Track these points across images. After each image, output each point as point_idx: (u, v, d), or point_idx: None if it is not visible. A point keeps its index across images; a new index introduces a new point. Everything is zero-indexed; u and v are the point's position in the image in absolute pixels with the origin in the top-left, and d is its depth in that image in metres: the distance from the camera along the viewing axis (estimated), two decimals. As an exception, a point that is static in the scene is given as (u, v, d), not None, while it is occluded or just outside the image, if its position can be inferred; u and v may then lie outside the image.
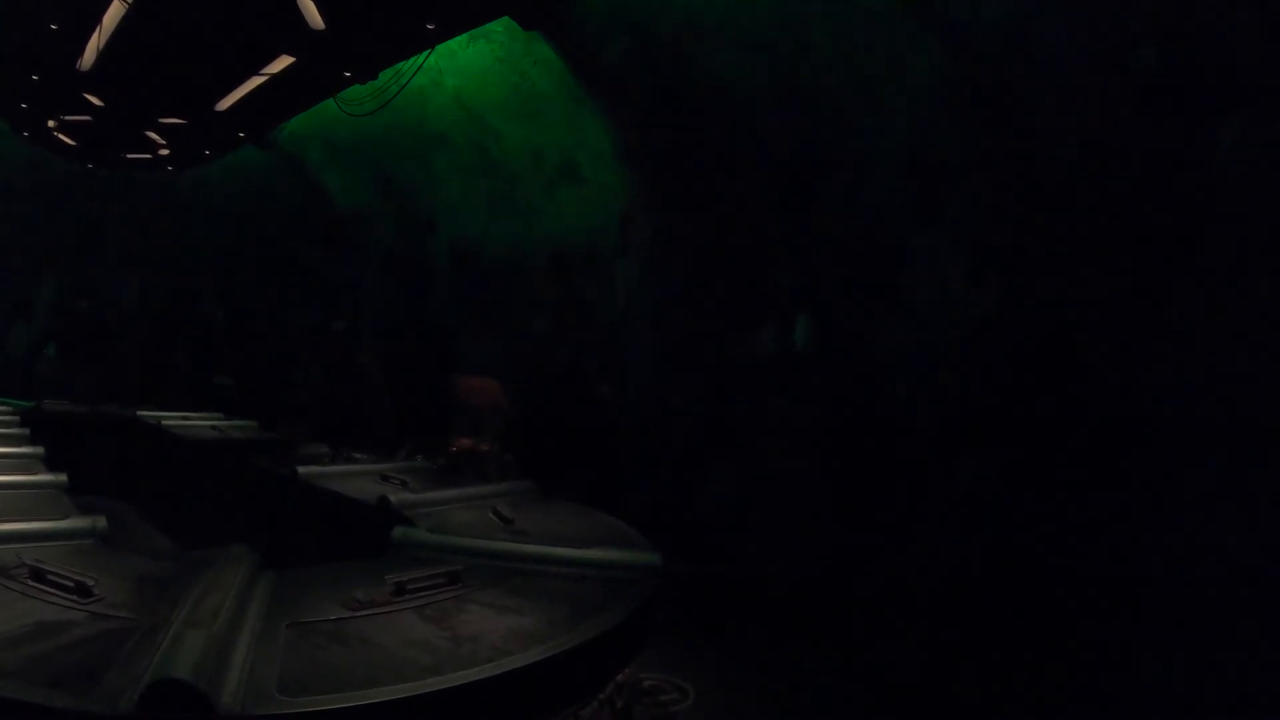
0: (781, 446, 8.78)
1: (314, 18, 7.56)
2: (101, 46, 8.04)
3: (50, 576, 3.26)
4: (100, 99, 9.69)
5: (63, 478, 5.27)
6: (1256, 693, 5.11)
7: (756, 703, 6.25)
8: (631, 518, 5.38)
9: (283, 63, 8.79)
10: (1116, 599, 5.94)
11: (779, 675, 6.74)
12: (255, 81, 9.32)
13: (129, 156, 12.80)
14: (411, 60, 9.11)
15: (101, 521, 4.21)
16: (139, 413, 10.24)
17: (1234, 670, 5.22)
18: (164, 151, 12.31)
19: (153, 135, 11.47)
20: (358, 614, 3.26)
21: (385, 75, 9.45)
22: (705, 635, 7.13)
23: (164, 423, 9.35)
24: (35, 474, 5.38)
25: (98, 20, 7.61)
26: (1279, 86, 5.51)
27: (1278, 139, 5.53)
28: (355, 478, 6.07)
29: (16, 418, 8.33)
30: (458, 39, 9.51)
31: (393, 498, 5.10)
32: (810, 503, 8.46)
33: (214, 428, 9.20)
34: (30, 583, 3.25)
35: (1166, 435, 5.91)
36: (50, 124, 11.05)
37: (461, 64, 10.75)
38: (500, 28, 9.60)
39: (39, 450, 6.25)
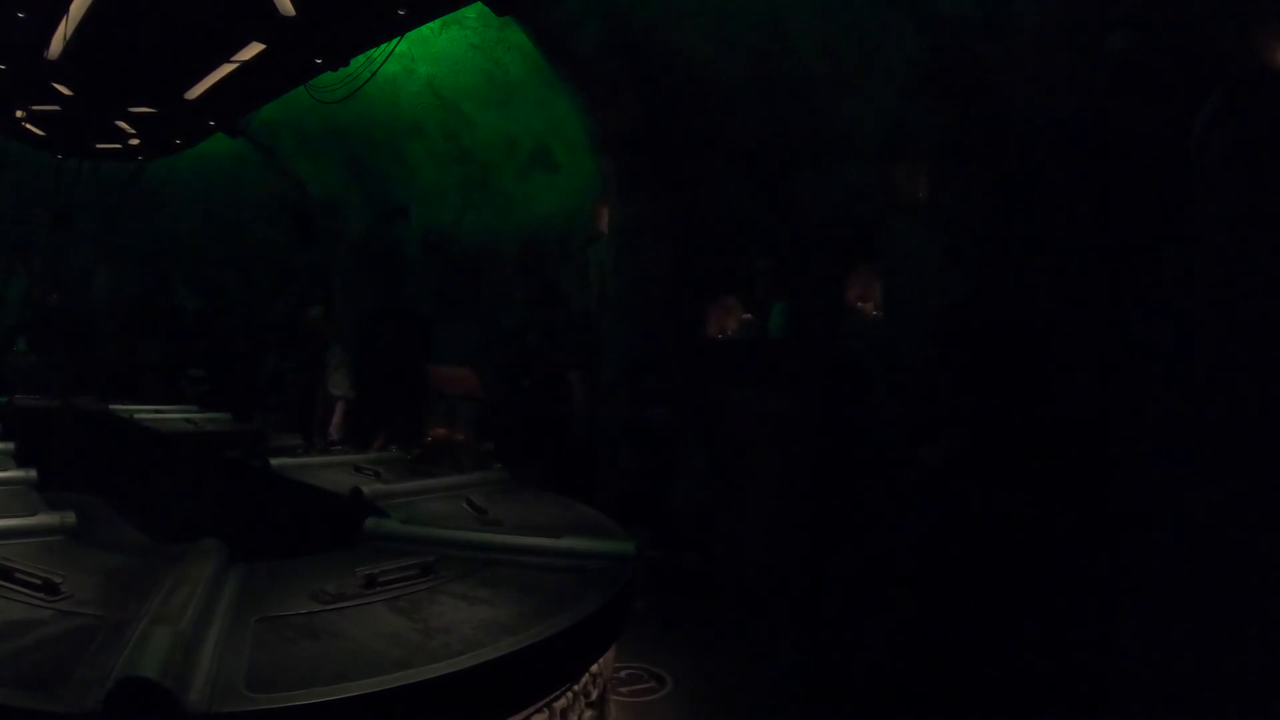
0: (756, 433, 8.78)
1: (284, 4, 7.48)
2: (69, 35, 7.93)
3: (17, 574, 3.23)
4: (69, 88, 9.57)
5: (32, 474, 5.22)
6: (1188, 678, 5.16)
7: (734, 690, 6.27)
8: (606, 506, 5.38)
9: (253, 50, 8.69)
10: (1084, 589, 5.97)
11: (756, 663, 6.75)
12: (225, 69, 9.21)
13: (98, 146, 12.66)
14: (383, 47, 9.03)
15: (70, 517, 4.17)
16: (111, 406, 10.17)
17: (1195, 656, 5.26)
18: (134, 141, 12.17)
19: (122, 125, 11.34)
20: (328, 607, 3.24)
21: (357, 62, 9.36)
22: (682, 623, 7.14)
23: (136, 416, 9.28)
24: (4, 470, 5.33)
25: (65, 8, 7.51)
26: (1252, 71, 5.53)
27: (1251, 123, 5.55)
28: (328, 469, 6.05)
29: (-14, 413, 8.27)
30: (430, 25, 9.42)
31: (365, 489, 5.08)
32: (785, 490, 8.47)
33: (187, 420, 9.15)
34: (-4, 581, 3.22)
35: (1137, 426, 5.94)
36: (18, 114, 10.91)
37: (434, 51, 10.68)
38: (473, 14, 9.53)
39: (8, 446, 6.19)
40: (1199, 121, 5.71)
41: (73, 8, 7.47)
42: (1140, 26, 6.05)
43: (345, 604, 3.29)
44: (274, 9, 7.50)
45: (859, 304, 8.51)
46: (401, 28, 8.64)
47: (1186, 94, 5.80)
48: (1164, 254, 5.93)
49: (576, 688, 3.53)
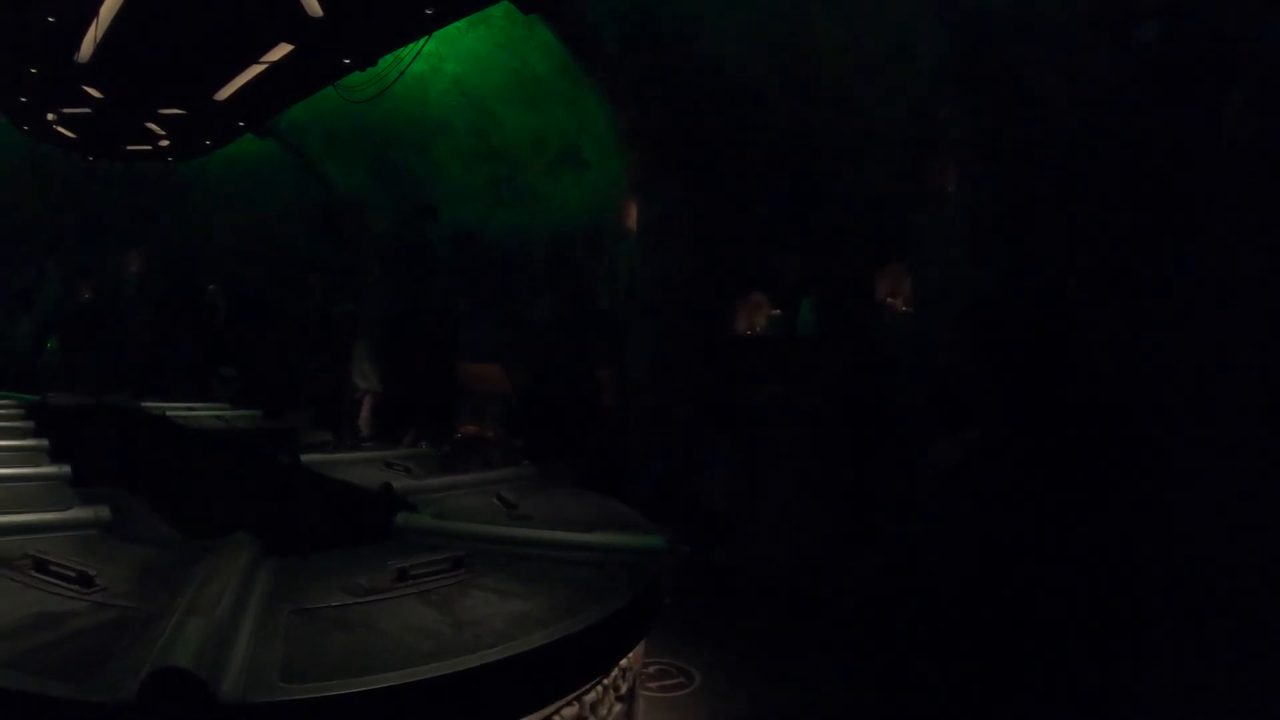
0: (785, 429, 8.76)
1: (312, 5, 7.52)
2: (99, 38, 8.00)
3: (53, 567, 3.26)
4: (99, 91, 9.65)
5: (66, 469, 5.27)
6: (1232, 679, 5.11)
7: (761, 686, 6.25)
8: (635, 501, 5.37)
9: (281, 51, 8.74)
10: (1111, 584, 5.93)
11: (784, 659, 6.73)
12: (254, 70, 9.26)
13: (129, 148, 12.76)
14: (411, 46, 9.06)
15: (105, 512, 4.20)
16: (143, 404, 10.26)
17: (1220, 659, 5.21)
18: (164, 143, 12.27)
19: (152, 126, 11.43)
20: (360, 600, 3.25)
21: (385, 62, 9.40)
22: (711, 619, 7.13)
23: (168, 414, 9.35)
24: (39, 466, 5.38)
25: (95, 12, 7.57)
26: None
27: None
28: (359, 465, 6.07)
29: (21, 411, 8.35)
30: (457, 24, 9.45)
31: (396, 484, 5.10)
32: (813, 486, 8.45)
33: (219, 418, 9.21)
34: (33, 574, 3.25)
35: (1165, 420, 5.89)
36: (50, 117, 11.01)
37: (462, 50, 10.71)
38: (500, 12, 9.56)
39: (43, 443, 6.25)
40: (1228, 113, 5.66)
41: (103, 10, 7.53)
42: (1170, 19, 6.00)
43: (377, 597, 3.29)
44: (302, 10, 7.54)
45: (889, 299, 8.47)
46: (429, 27, 8.67)
47: (1216, 86, 5.75)
48: (1194, 247, 5.87)
49: (606, 681, 3.53)
